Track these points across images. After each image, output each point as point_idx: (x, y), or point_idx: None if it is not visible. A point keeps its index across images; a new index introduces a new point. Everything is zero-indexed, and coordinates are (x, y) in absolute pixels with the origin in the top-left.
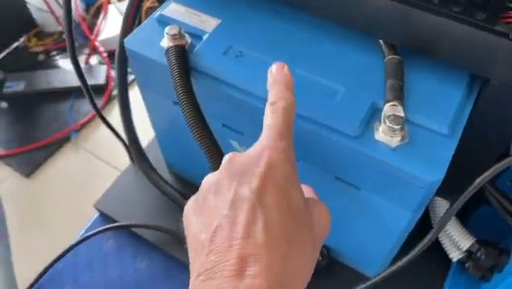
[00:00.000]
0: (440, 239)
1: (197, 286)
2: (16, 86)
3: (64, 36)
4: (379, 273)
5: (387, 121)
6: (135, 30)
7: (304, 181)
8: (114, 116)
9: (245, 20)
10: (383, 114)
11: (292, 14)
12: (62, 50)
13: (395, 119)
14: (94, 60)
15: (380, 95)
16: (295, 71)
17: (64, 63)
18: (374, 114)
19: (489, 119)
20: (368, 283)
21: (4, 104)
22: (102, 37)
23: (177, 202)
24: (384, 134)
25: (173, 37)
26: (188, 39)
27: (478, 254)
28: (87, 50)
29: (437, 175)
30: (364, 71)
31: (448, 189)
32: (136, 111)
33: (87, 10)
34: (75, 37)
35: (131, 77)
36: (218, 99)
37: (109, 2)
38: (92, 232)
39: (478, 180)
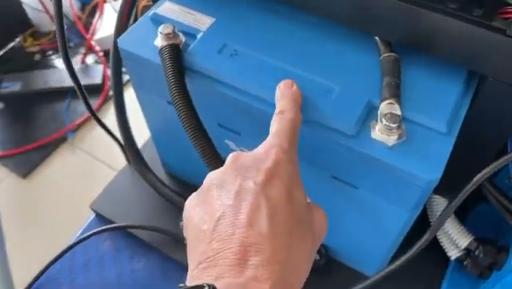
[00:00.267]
0: (438, 237)
1: (197, 274)
2: (12, 86)
3: (56, 36)
4: (378, 272)
5: (383, 120)
6: (128, 30)
7: (302, 180)
8: (111, 115)
9: (239, 19)
10: (379, 112)
11: (287, 12)
12: (58, 50)
13: (391, 117)
14: (90, 60)
15: (377, 93)
16: (290, 70)
17: (60, 62)
18: (370, 112)
19: (487, 116)
20: (367, 282)
21: (0, 105)
22: (98, 36)
23: (174, 202)
24: (381, 132)
25: (167, 36)
26: (183, 38)
27: (477, 252)
28: (83, 50)
29: (435, 173)
30: (360, 68)
31: (446, 186)
32: (131, 111)
33: (82, 9)
34: (69, 37)
35: (126, 77)
36: (213, 98)
37: (105, 1)
38: (88, 233)
39: (477, 177)
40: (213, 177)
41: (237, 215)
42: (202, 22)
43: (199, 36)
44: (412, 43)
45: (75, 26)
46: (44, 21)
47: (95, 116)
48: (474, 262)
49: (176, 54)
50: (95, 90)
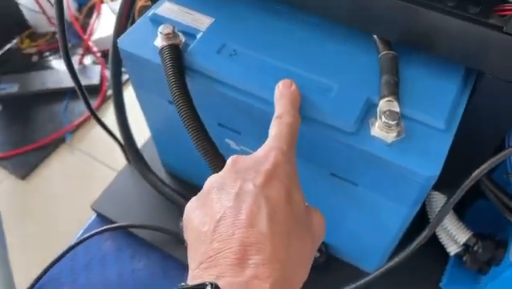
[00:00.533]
0: (437, 234)
1: (198, 273)
2: (10, 88)
3: (57, 37)
4: (378, 268)
5: (382, 117)
6: (128, 30)
7: (301, 178)
8: (109, 116)
9: (238, 18)
10: (378, 110)
11: (286, 11)
12: (55, 51)
13: (390, 114)
14: (88, 60)
15: (375, 90)
16: (289, 69)
17: (58, 63)
18: (369, 110)
19: (485, 112)
20: (367, 279)
21: None
22: (95, 37)
23: (174, 202)
24: (380, 130)
25: (167, 36)
26: (182, 38)
27: (475, 248)
28: (80, 51)
29: (434, 170)
30: (359, 67)
31: (445, 183)
32: (131, 111)
33: (79, 9)
34: (68, 38)
35: (125, 76)
36: (213, 97)
37: (102, 2)
38: (90, 233)
39: (475, 173)
40: (213, 180)
41: (238, 216)
42: (201, 22)
43: (198, 36)
44: (410, 41)
45: (73, 26)
46: (41, 22)
47: (95, 115)
48: (473, 257)
49: (176, 54)
50: (93, 90)
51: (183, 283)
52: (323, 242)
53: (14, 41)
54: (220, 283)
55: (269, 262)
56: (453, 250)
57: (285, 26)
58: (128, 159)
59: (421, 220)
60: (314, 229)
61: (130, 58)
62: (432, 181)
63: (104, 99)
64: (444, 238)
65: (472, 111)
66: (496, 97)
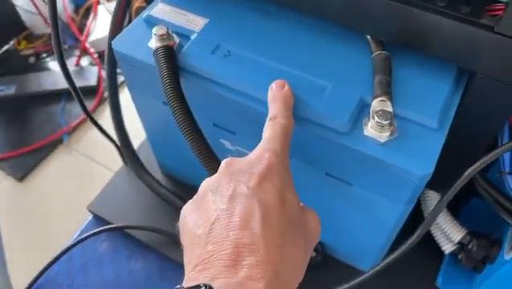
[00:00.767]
0: (432, 232)
1: (193, 276)
2: (7, 90)
3: (51, 39)
4: (373, 267)
5: (375, 116)
6: (123, 32)
7: (296, 178)
8: (107, 117)
9: (232, 19)
10: (371, 109)
11: (279, 12)
12: (52, 53)
13: (383, 114)
14: (85, 61)
15: (369, 90)
16: (283, 69)
17: (55, 65)
18: (363, 110)
19: (477, 111)
20: (362, 277)
21: None
22: (92, 38)
23: (171, 203)
24: (373, 129)
25: (161, 37)
26: (177, 39)
27: (470, 246)
28: (77, 52)
29: (427, 169)
30: (352, 67)
31: (438, 181)
32: (127, 112)
33: (76, 10)
34: (63, 39)
35: (121, 78)
36: (208, 98)
37: (99, 3)
38: (86, 234)
39: (467, 172)
40: (207, 183)
41: (231, 218)
42: (196, 23)
43: (193, 37)
44: (402, 41)
45: (69, 28)
46: (38, 23)
47: (90, 117)
48: (468, 255)
49: (170, 55)
50: (90, 92)
51: (178, 286)
52: (319, 242)
53: (11, 42)
54: (214, 285)
55: (263, 263)
56: (447, 248)
57: (279, 26)
58: (124, 160)
59: (417, 219)
60: (309, 229)
61: (124, 59)
62: (425, 180)
63: (101, 101)
64: (439, 237)
65: (464, 110)
66: (488, 96)
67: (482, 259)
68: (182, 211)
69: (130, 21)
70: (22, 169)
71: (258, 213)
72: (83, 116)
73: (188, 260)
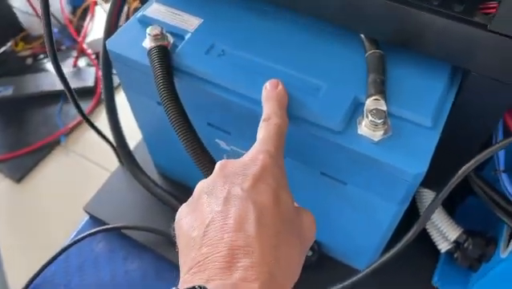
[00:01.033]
0: (428, 231)
1: (188, 278)
2: (4, 91)
3: (45, 41)
4: (369, 266)
5: (369, 115)
6: (117, 32)
7: (292, 178)
8: (104, 117)
9: (227, 19)
10: (365, 108)
11: (274, 11)
12: None
13: (377, 113)
14: (82, 62)
15: (363, 89)
16: (277, 69)
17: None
18: (357, 109)
19: (471, 109)
20: (358, 276)
21: None
22: (89, 39)
23: (167, 203)
24: (367, 128)
25: (155, 37)
26: (171, 39)
27: (466, 245)
28: (74, 53)
29: (421, 167)
30: (347, 66)
31: (433, 180)
32: (124, 112)
33: (73, 12)
34: (61, 40)
35: (117, 78)
36: (202, 98)
37: (96, 4)
38: (82, 235)
39: (461, 170)
40: (202, 185)
41: (226, 220)
42: (190, 22)
43: (187, 37)
44: (396, 40)
45: (67, 29)
46: (35, 25)
47: (85, 117)
48: (464, 254)
49: (164, 55)
50: (88, 93)
51: (174, 288)
52: (315, 241)
53: (9, 44)
54: (209, 287)
55: (257, 264)
56: (443, 247)
57: (273, 26)
58: (120, 160)
59: (413, 217)
60: (304, 229)
61: (119, 59)
62: (419, 179)
63: (99, 102)
64: (435, 236)
65: (459, 108)
66: (482, 94)
67: (478, 258)
68: (177, 214)
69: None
70: (20, 171)
71: (252, 215)
72: (80, 116)
73: (184, 262)
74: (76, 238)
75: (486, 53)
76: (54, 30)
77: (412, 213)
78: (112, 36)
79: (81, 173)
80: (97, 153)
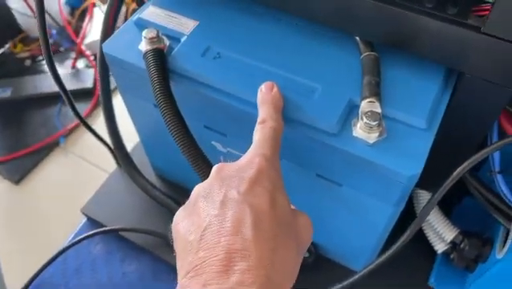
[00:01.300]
0: (425, 232)
1: (186, 283)
2: (3, 92)
3: (40, 44)
4: (365, 266)
5: (364, 118)
6: (113, 35)
7: (288, 180)
8: (103, 119)
9: (223, 21)
10: (360, 110)
11: (269, 14)
12: None
13: (372, 115)
14: (81, 64)
15: (358, 91)
16: (273, 71)
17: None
18: (352, 111)
19: (466, 111)
20: (355, 277)
21: None
22: (88, 40)
23: (165, 205)
24: (362, 130)
25: (151, 40)
26: (167, 42)
27: (462, 245)
28: (73, 54)
29: (415, 169)
30: (341, 68)
31: (429, 181)
32: (122, 114)
33: (72, 13)
34: (59, 41)
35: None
36: (198, 100)
37: (94, 5)
38: (80, 237)
39: (456, 172)
40: (199, 189)
41: (223, 224)
42: (186, 25)
43: (183, 40)
44: (391, 43)
45: (65, 30)
46: (34, 26)
47: (82, 120)
48: (460, 255)
49: (160, 58)
50: (87, 94)
51: None
52: (311, 243)
53: (7, 45)
54: None
55: (254, 268)
56: (440, 247)
57: (268, 28)
58: (118, 163)
59: (410, 218)
60: (301, 231)
61: (115, 62)
62: (414, 180)
63: (98, 103)
64: (431, 236)
65: (453, 110)
66: (476, 96)
67: (474, 258)
68: (174, 218)
69: None
70: (19, 172)
71: (249, 219)
72: None
73: (181, 266)
74: (74, 241)
75: (480, 55)
76: (53, 31)
77: (408, 214)
78: (108, 39)
79: (80, 175)
80: (96, 155)
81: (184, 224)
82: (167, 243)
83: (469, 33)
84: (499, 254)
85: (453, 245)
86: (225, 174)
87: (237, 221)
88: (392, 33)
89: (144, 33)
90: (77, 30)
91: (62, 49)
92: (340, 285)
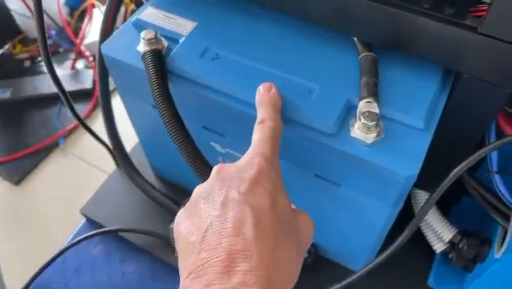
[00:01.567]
0: (423, 231)
1: (188, 283)
2: (2, 93)
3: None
4: (364, 266)
5: (362, 118)
6: (112, 36)
7: (287, 180)
8: (102, 120)
9: (221, 22)
10: (358, 111)
11: (267, 15)
12: None
13: (369, 115)
14: (80, 65)
15: (355, 92)
16: (271, 72)
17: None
18: (350, 111)
19: (464, 111)
20: (354, 277)
21: None
22: (87, 41)
23: (164, 205)
24: (360, 131)
25: (149, 41)
26: (165, 43)
27: (461, 245)
28: (72, 55)
29: (413, 169)
30: (339, 69)
31: (427, 181)
32: (122, 115)
33: (71, 14)
34: (59, 42)
35: None
36: (197, 101)
37: (93, 6)
38: (79, 238)
39: (454, 172)
40: (199, 190)
41: (224, 224)
42: (184, 26)
43: (181, 41)
44: (388, 43)
45: (65, 31)
46: (33, 27)
47: (81, 121)
48: (459, 254)
49: (158, 59)
50: (86, 95)
51: None
52: (311, 243)
53: (6, 46)
54: None
55: (256, 268)
56: (438, 247)
57: (266, 29)
58: (117, 163)
59: (409, 218)
60: (302, 231)
61: (114, 63)
62: (411, 181)
63: (97, 104)
64: (430, 236)
65: (451, 110)
66: (474, 96)
67: (473, 258)
68: (176, 219)
69: None
70: (19, 173)
71: (250, 219)
72: None
73: (183, 267)
74: (73, 241)
75: (477, 55)
76: (52, 32)
77: (407, 214)
78: (107, 40)
79: (80, 176)
80: (96, 156)
81: (185, 225)
82: (166, 244)
83: (466, 33)
84: (497, 253)
85: (452, 244)
86: (226, 175)
87: (238, 221)
88: (389, 33)
89: (142, 34)
90: (76, 31)
91: (61, 50)
92: (339, 285)
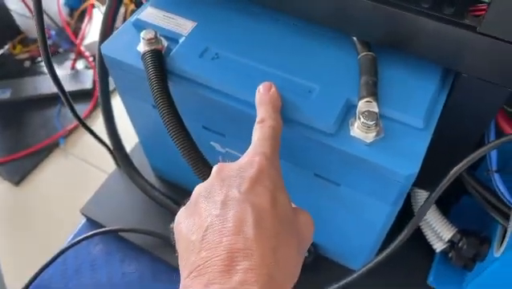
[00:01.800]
0: (423, 231)
1: (188, 283)
2: (2, 94)
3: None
4: (364, 265)
5: (361, 117)
6: (111, 36)
7: (286, 180)
8: (102, 120)
9: (220, 22)
10: (357, 110)
11: (267, 14)
12: None
13: (369, 115)
14: (80, 65)
15: (355, 91)
16: (271, 72)
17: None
18: (349, 111)
19: (463, 110)
20: (354, 276)
21: None
22: (87, 41)
23: (164, 205)
24: (359, 130)
25: (149, 41)
26: (165, 43)
27: (460, 244)
28: (72, 56)
29: (412, 168)
30: (339, 68)
31: (427, 180)
32: (121, 115)
33: (71, 14)
34: (58, 43)
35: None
36: (197, 101)
37: (93, 6)
38: (79, 238)
39: (453, 171)
40: (200, 189)
41: (224, 223)
42: (184, 26)
43: (181, 40)
44: (388, 43)
45: (64, 31)
46: (33, 27)
47: (81, 121)
48: (458, 254)
49: (158, 59)
50: (86, 95)
51: None
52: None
53: (6, 47)
54: None
55: (257, 267)
56: (438, 246)
57: (266, 28)
58: (117, 163)
59: (409, 218)
60: (302, 229)
61: (113, 63)
62: (411, 180)
63: (97, 104)
64: (429, 235)
65: (450, 109)
66: (473, 96)
67: (472, 257)
68: (176, 218)
69: None
70: (19, 173)
71: (250, 218)
72: None
73: (184, 266)
74: (73, 241)
75: (476, 55)
76: (52, 32)
77: (406, 213)
78: (107, 40)
79: (80, 176)
80: (96, 156)
81: (186, 224)
82: (166, 243)
83: (465, 33)
84: (497, 252)
85: (451, 244)
86: (226, 174)
87: (238, 220)
88: (388, 33)
89: (142, 34)
90: (76, 31)
91: (61, 50)
92: (339, 284)
